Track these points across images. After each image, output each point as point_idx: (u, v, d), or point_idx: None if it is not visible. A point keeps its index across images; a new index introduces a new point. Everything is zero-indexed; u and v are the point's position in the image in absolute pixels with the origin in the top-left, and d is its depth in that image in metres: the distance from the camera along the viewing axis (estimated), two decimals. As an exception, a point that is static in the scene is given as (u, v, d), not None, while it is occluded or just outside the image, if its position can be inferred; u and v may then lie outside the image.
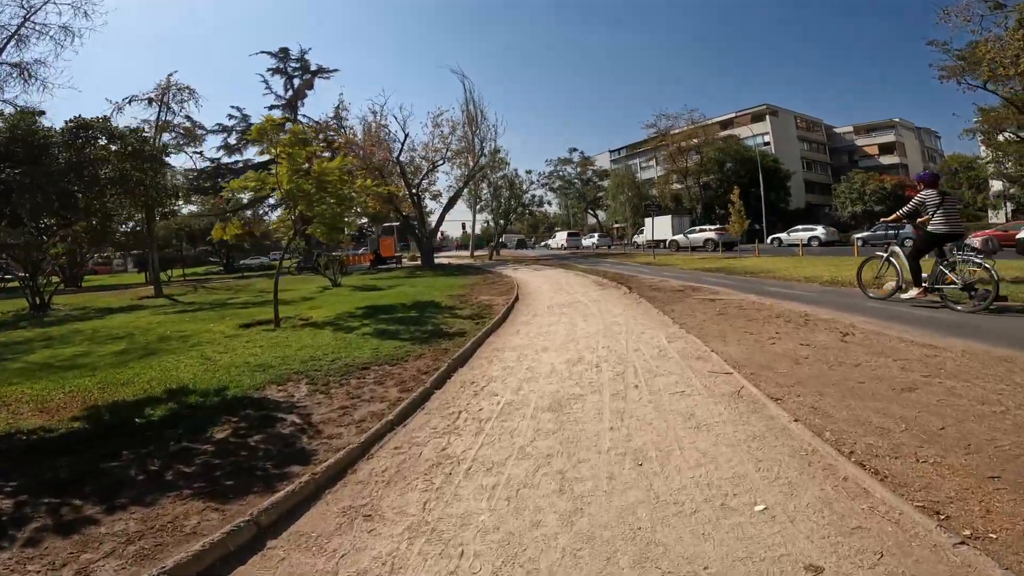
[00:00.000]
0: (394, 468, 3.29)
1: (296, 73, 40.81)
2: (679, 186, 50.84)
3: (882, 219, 9.53)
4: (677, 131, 49.36)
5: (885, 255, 8.57)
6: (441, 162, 29.91)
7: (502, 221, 34.98)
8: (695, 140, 49.14)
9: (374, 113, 28.37)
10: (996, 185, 42.12)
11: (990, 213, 44.36)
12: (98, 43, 72.59)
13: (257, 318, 9.76)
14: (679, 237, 34.04)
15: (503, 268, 23.64)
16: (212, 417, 4.17)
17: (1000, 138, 38.40)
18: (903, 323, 6.54)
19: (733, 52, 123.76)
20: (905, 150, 61.64)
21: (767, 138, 54.64)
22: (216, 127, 37.69)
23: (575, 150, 66.27)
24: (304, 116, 38.28)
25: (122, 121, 19.05)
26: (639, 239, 39.41)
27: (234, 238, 10.36)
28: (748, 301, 9.26)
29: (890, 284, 8.42)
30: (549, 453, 3.35)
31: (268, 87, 39.83)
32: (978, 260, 6.93)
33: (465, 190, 36.94)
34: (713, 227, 32.30)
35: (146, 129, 19.54)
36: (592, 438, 3.55)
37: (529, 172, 34.45)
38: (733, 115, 57.82)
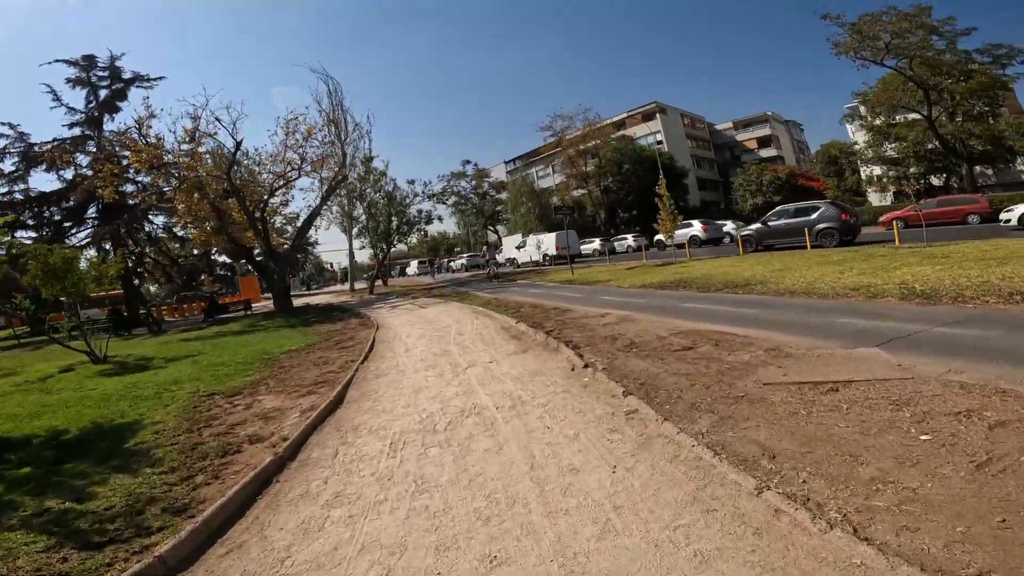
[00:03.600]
0: None
1: (104, 83, 31.84)
2: (580, 192, 47.79)
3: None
4: (573, 134, 46.53)
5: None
6: (296, 176, 23.14)
7: (383, 245, 28.65)
8: (592, 143, 46.54)
9: (194, 118, 20.99)
10: (875, 169, 43.36)
11: (871, 196, 45.83)
12: None
13: None
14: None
15: (379, 307, 17.61)
16: None
17: (877, 121, 39.54)
18: None
19: (616, 56, 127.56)
20: (780, 143, 64.49)
21: (659, 136, 53.72)
22: (-20, 149, 27.73)
23: (469, 162, 61.60)
24: (112, 132, 29.42)
25: None
26: (501, 257, 35.52)
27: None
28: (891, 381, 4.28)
29: None
30: None
31: (57, 99, 30.40)
32: None
33: (336, 210, 30.27)
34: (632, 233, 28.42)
35: None
36: None
37: (412, 183, 28.53)
38: (625, 115, 56.50)
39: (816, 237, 15.11)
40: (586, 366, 5.28)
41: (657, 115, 54.77)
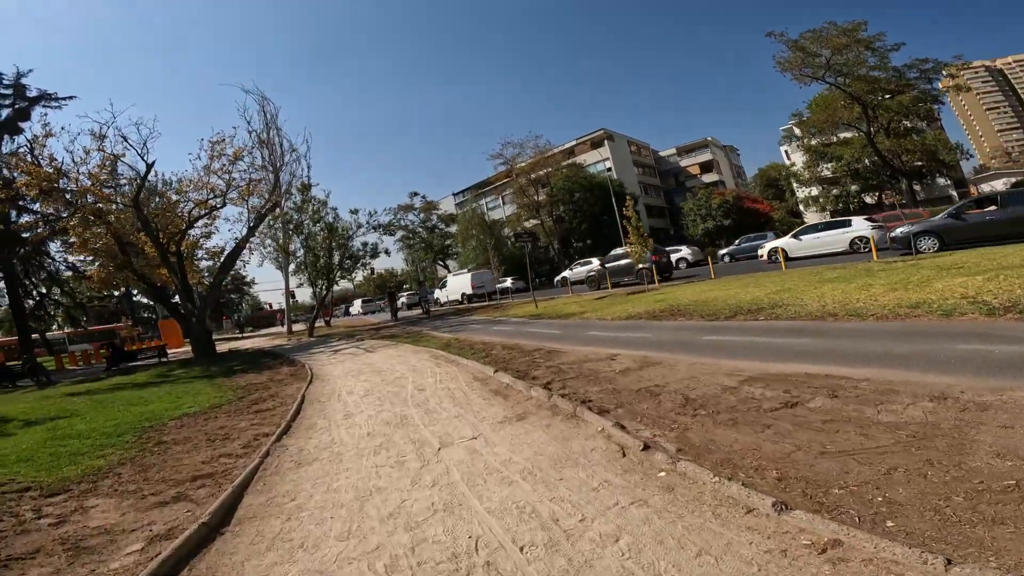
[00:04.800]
0: None
1: (6, 102, 27.92)
2: (533, 222, 46.75)
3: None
4: (523, 163, 45.78)
5: None
6: (220, 204, 20.30)
7: (323, 282, 25.81)
8: (543, 171, 45.91)
9: (97, 137, 17.91)
10: (812, 190, 44.86)
11: (806, 215, 47.38)
12: None
13: None
14: (567, 273, 29.49)
15: (319, 352, 15.04)
16: None
17: (813, 142, 41.05)
18: None
19: (562, 85, 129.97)
20: (720, 167, 66.79)
21: (608, 164, 53.98)
22: None
23: (416, 194, 59.71)
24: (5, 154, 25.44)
25: None
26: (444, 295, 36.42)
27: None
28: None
29: None
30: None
31: (-59, 119, 26.22)
32: None
33: (270, 244, 27.27)
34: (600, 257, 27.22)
35: None
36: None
37: (355, 212, 26.09)
38: (575, 142, 56.57)
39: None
40: (646, 447, 3.32)
41: (605, 142, 55.23)
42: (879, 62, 28.99)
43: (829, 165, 40.52)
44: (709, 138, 65.84)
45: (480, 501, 3.01)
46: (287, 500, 3.55)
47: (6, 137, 27.24)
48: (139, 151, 17.58)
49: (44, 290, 30.16)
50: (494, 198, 59.17)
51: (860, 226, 17.19)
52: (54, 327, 39.37)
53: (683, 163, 66.84)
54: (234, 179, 20.05)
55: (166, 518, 3.39)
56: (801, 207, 47.07)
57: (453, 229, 57.34)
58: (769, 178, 54.35)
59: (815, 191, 44.77)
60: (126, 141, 17.53)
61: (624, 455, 3.35)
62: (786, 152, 51.52)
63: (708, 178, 63.53)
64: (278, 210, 24.13)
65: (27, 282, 28.62)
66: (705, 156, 65.11)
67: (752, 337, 6.44)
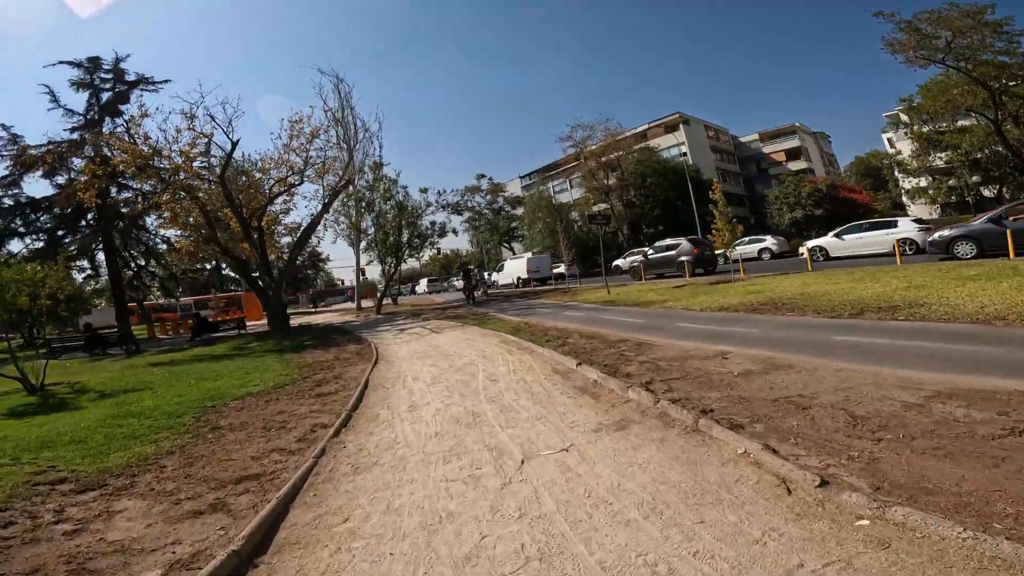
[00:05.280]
0: None
1: (106, 86, 30.17)
2: (603, 206, 45.20)
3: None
4: (593, 146, 44.30)
5: None
6: (298, 181, 20.79)
7: (392, 259, 26.02)
8: (613, 154, 44.21)
9: (188, 116, 18.74)
10: (921, 180, 40.28)
11: (911, 207, 42.69)
12: None
13: None
14: (620, 261, 28.14)
15: (385, 330, 14.93)
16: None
17: (925, 129, 36.59)
18: None
19: (635, 66, 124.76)
20: (809, 154, 61.82)
21: (684, 148, 51.21)
22: (-33, 153, 25.94)
23: (483, 176, 59.65)
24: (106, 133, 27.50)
25: None
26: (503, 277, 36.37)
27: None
28: None
29: None
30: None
31: (55, 101, 28.63)
32: None
33: (344, 222, 27.86)
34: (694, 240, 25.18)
35: None
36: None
37: (424, 191, 26.03)
38: (647, 126, 54.10)
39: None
40: (823, 482, 2.41)
41: (680, 126, 52.39)
42: (1007, 46, 25.27)
43: (943, 154, 36.00)
44: (797, 124, 61.00)
45: (588, 549, 2.27)
46: (338, 521, 2.97)
47: (107, 119, 29.35)
48: (225, 129, 18.15)
49: (142, 262, 32.49)
50: (562, 181, 57.92)
51: (907, 228, 16.78)
52: (150, 297, 42.60)
53: (766, 149, 62.44)
54: (311, 157, 20.44)
55: (195, 535, 2.89)
56: (906, 198, 42.43)
57: (519, 212, 56.81)
58: (868, 167, 49.45)
59: (923, 182, 40.16)
60: (213, 120, 18.18)
61: (789, 491, 2.49)
62: (889, 140, 46.50)
63: (795, 165, 59.10)
64: (351, 188, 24.49)
65: (126, 254, 30.91)
66: (792, 142, 60.46)
67: (901, 341, 5.25)
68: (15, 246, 27.65)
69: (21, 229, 28.19)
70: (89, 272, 30.75)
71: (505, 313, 15.07)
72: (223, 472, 3.85)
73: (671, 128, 52.90)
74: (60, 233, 29.01)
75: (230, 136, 18.25)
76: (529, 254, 38.26)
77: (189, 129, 18.29)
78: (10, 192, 27.74)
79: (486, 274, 38.61)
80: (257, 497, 3.35)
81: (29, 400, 7.94)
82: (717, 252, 17.72)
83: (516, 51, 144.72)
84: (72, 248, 27.59)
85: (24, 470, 4.06)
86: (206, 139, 18.88)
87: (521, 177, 67.08)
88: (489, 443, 3.91)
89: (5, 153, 27.07)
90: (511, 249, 57.29)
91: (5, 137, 27.09)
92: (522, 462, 3.45)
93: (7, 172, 27.61)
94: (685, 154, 50.68)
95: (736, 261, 17.12)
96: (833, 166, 68.17)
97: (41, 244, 27.67)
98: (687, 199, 38.76)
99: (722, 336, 6.85)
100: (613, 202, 44.67)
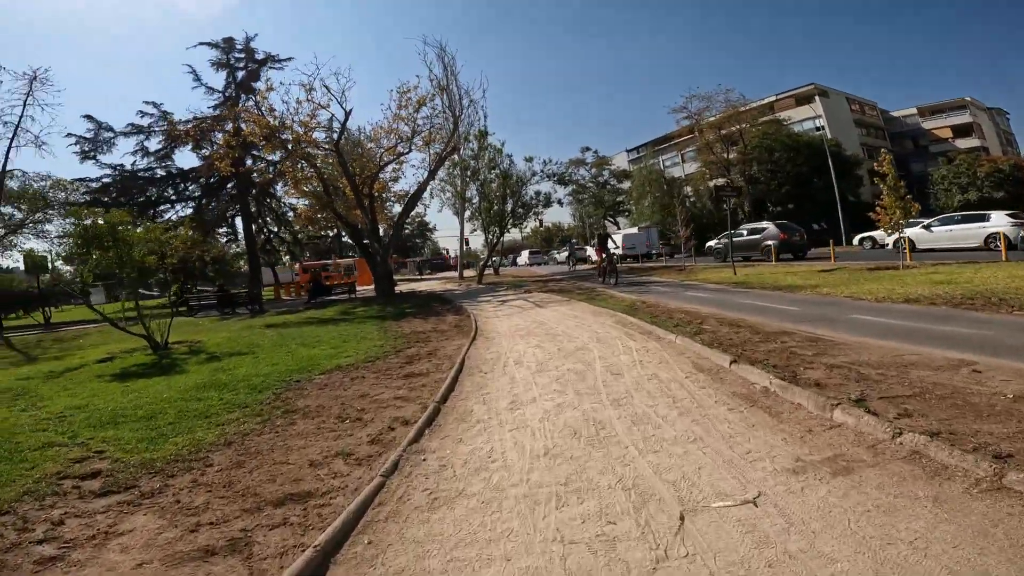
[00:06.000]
0: None
1: (240, 65, 32.70)
2: (721, 181, 41.44)
3: None
4: (712, 117, 40.54)
5: None
6: (407, 149, 20.92)
7: (495, 228, 25.62)
8: (735, 127, 40.11)
9: (307, 88, 19.43)
10: None
11: None
12: None
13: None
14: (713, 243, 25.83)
15: (486, 300, 14.43)
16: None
17: None
18: None
19: (760, 32, 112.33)
20: (983, 131, 51.96)
21: (820, 122, 45.05)
22: (129, 128, 29.45)
23: (588, 149, 57.50)
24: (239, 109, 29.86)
25: None
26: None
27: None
28: None
29: None
30: None
31: (198, 80, 31.54)
32: None
33: (449, 191, 27.93)
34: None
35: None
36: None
37: (530, 160, 25.11)
38: (774, 98, 48.46)
39: None
40: None
41: (817, 98, 46.37)
42: None
43: None
44: (968, 98, 51.40)
45: None
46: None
47: (242, 96, 31.65)
48: (339, 99, 18.52)
49: (275, 228, 35.23)
50: (674, 155, 54.03)
51: (999, 221, 15.72)
52: (280, 262, 46.49)
53: (927, 125, 53.63)
54: (418, 126, 20.39)
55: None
56: None
57: (626, 185, 54.14)
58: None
59: None
60: (328, 91, 18.59)
61: None
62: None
63: (964, 143, 50.37)
64: (456, 156, 24.28)
65: (260, 221, 33.64)
66: (962, 118, 51.45)
67: None
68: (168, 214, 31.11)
69: (173, 197, 31.57)
70: (230, 236, 34.06)
71: (614, 288, 13.90)
72: (270, 483, 3.19)
73: (803, 100, 47.00)
74: (204, 201, 32.16)
75: (343, 105, 18.61)
76: (639, 228, 36.14)
77: (308, 100, 18.93)
78: (163, 164, 31.12)
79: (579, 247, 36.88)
80: (293, 538, 2.54)
81: (147, 360, 8.16)
82: (888, 234, 14.91)
83: (624, 19, 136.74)
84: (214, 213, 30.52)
85: (68, 455, 3.78)
86: (323, 108, 19.46)
87: (628, 151, 63.70)
88: (624, 476, 2.86)
89: (157, 128, 30.19)
90: (615, 223, 54.99)
91: (156, 114, 30.16)
92: (681, 518, 2.34)
93: (160, 146, 30.87)
94: (822, 128, 44.69)
95: (900, 245, 14.16)
96: (1012, 145, 56.87)
97: (190, 211, 30.86)
98: (824, 175, 34.11)
99: (936, 337, 5.20)
100: (734, 176, 40.78)
